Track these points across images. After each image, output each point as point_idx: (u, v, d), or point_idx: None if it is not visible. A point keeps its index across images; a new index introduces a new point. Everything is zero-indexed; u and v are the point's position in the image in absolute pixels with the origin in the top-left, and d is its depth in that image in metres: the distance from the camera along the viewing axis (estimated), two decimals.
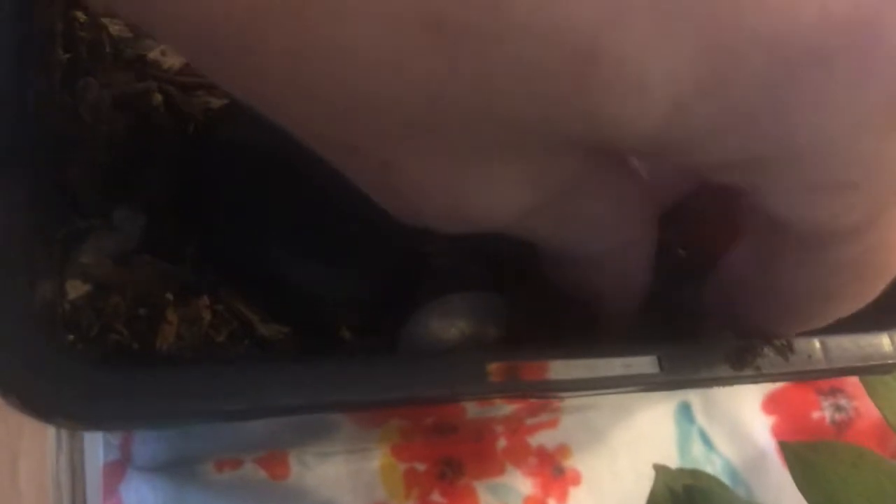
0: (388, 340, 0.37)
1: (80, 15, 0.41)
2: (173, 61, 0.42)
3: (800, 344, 0.36)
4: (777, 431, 0.73)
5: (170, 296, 0.36)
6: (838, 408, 0.75)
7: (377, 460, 0.64)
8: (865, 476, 0.40)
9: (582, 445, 0.69)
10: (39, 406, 0.27)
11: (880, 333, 0.38)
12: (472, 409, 0.48)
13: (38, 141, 0.31)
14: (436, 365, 0.30)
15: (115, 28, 0.41)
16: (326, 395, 0.28)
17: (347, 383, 0.29)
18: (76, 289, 0.35)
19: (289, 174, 0.38)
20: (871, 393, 0.46)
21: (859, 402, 0.73)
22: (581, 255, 0.35)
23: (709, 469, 0.72)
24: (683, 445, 0.71)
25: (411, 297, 0.39)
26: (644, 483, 0.70)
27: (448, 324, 0.36)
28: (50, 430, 0.70)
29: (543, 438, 0.67)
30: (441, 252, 0.42)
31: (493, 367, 0.31)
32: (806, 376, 0.35)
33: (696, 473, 0.47)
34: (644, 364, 0.32)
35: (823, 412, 0.74)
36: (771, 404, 0.72)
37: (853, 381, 0.72)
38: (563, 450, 0.68)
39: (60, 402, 0.27)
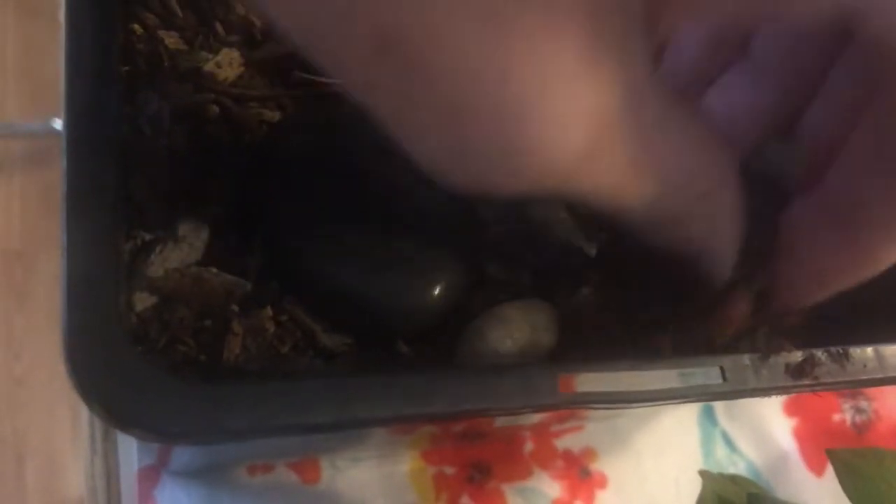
0: (445, 354, 0.38)
1: (138, 28, 0.41)
2: (227, 73, 0.42)
3: (855, 353, 0.36)
4: (798, 433, 0.74)
5: (235, 307, 0.36)
6: (859, 410, 0.75)
7: (407, 464, 0.65)
8: None
9: (607, 448, 0.69)
10: (128, 420, 0.27)
11: None
12: (501, 417, 0.49)
13: (113, 155, 0.32)
14: (509, 378, 0.30)
15: (171, 40, 0.42)
16: (410, 408, 0.29)
17: (429, 396, 0.29)
18: (143, 301, 0.35)
19: (348, 188, 0.38)
20: None
21: (879, 403, 0.74)
22: (659, 214, 0.31)
23: (732, 471, 0.72)
24: (707, 447, 0.72)
25: (465, 307, 0.40)
26: (669, 485, 0.71)
27: (504, 334, 0.36)
28: (63, 433, 0.70)
29: (570, 442, 0.68)
30: (493, 257, 0.42)
31: (563, 379, 0.31)
32: (862, 384, 0.36)
33: (737, 479, 0.48)
34: (708, 375, 0.33)
35: (844, 414, 0.75)
36: (792, 406, 0.73)
37: None
38: (590, 453, 0.69)
39: (149, 417, 0.27)
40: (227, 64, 0.43)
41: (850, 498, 0.41)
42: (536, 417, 0.55)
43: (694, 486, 0.64)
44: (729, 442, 0.73)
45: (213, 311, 0.36)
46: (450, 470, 0.68)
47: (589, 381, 0.31)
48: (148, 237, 0.36)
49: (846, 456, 0.42)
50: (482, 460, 0.68)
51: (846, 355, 0.36)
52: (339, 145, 0.39)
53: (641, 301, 0.47)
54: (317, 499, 0.63)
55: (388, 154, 0.42)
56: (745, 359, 0.34)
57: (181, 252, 0.36)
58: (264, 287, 0.38)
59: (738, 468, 0.73)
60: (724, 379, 0.33)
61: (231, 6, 0.44)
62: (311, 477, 0.64)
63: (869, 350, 0.37)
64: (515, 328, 0.37)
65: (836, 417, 0.76)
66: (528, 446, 0.69)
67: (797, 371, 0.35)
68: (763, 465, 0.73)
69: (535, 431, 0.67)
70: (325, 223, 0.37)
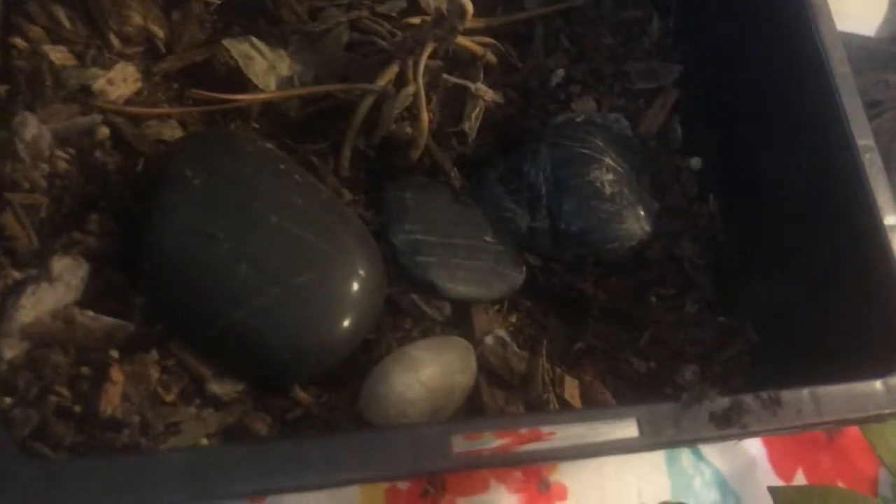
0: (347, 399, 0.35)
1: (20, 42, 0.38)
2: (122, 90, 0.39)
3: (788, 396, 0.33)
4: (768, 439, 0.71)
5: (115, 353, 0.33)
6: None
7: None
8: None
9: None
10: None
11: (873, 380, 0.36)
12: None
13: None
14: (395, 441, 0.27)
15: (57, 55, 0.38)
16: (279, 480, 0.26)
17: (302, 465, 0.26)
18: (13, 348, 0.32)
19: (242, 215, 0.35)
20: (864, 431, 0.44)
21: None
22: None
23: (698, 480, 0.70)
24: (672, 456, 0.69)
25: (374, 343, 0.37)
26: (631, 495, 0.68)
27: (411, 379, 0.34)
28: None
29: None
30: (407, 287, 0.40)
31: (459, 439, 0.28)
32: (795, 430, 0.33)
33: None
34: (623, 428, 0.30)
35: None
36: None
37: None
38: (549, 464, 0.66)
39: None
40: (121, 80, 0.39)
41: None
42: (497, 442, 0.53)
43: (657, 495, 0.62)
44: (695, 450, 0.71)
45: (91, 358, 0.33)
46: (403, 484, 0.65)
47: (490, 440, 0.28)
48: (19, 276, 0.33)
49: (790, 495, 0.40)
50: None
51: (777, 401, 0.33)
52: (234, 169, 0.36)
53: (576, 329, 0.44)
54: None
55: (289, 178, 0.39)
56: (665, 408, 0.31)
57: (56, 293, 0.33)
58: (149, 328, 0.35)
59: (705, 477, 0.70)
60: (641, 432, 0.30)
61: (127, 16, 0.40)
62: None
63: (804, 392, 0.34)
64: (425, 371, 0.35)
65: None
66: None
67: (723, 420, 0.32)
68: (730, 472, 0.70)
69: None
70: (215, 256, 0.34)
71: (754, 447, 0.71)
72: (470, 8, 0.39)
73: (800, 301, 0.43)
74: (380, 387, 0.34)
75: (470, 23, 0.42)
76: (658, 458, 0.67)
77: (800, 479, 0.68)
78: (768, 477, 0.69)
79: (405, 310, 0.39)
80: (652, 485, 0.63)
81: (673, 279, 0.45)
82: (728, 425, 0.32)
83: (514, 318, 0.42)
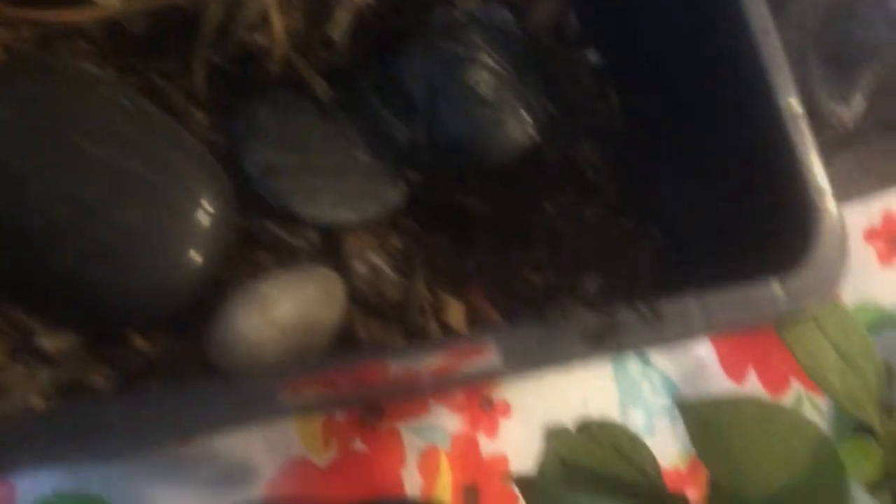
0: (195, 344, 0.32)
1: None
2: None
3: (670, 308, 0.31)
4: (718, 339, 0.70)
5: None
6: None
7: None
8: (770, 434, 0.35)
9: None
10: None
11: (768, 280, 0.33)
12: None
13: None
14: (209, 396, 0.25)
15: None
16: (72, 451, 0.23)
17: (92, 430, 0.23)
18: None
19: (59, 147, 0.32)
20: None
21: None
22: None
23: (646, 386, 0.69)
24: (618, 364, 0.68)
25: (227, 280, 0.34)
26: (577, 405, 0.66)
27: (260, 319, 0.31)
28: None
29: (470, 370, 0.63)
30: (266, 213, 0.36)
31: (290, 384, 0.25)
32: (684, 340, 0.31)
33: (605, 429, 0.43)
34: (482, 355, 0.27)
35: None
36: None
37: None
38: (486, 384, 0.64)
39: None
40: None
41: (701, 458, 0.36)
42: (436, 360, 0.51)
43: (606, 401, 0.60)
44: (642, 355, 0.69)
45: None
46: (340, 415, 0.63)
47: (329, 381, 0.26)
48: None
49: (697, 408, 0.37)
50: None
51: (657, 314, 0.30)
52: (48, 99, 0.32)
53: (465, 247, 0.41)
54: (195, 460, 0.58)
55: (116, 104, 0.35)
56: (528, 331, 0.28)
57: None
58: None
59: (653, 382, 0.69)
60: (503, 357, 0.28)
61: None
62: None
63: (690, 301, 0.31)
64: (276, 309, 0.32)
65: None
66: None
67: (595, 338, 0.29)
68: (679, 376, 0.69)
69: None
70: (27, 197, 0.31)
71: (703, 349, 0.69)
72: None
73: (706, 200, 0.40)
74: (223, 330, 0.31)
75: None
76: (605, 368, 0.65)
77: (752, 378, 0.67)
78: (719, 378, 0.68)
79: (263, 242, 0.35)
80: (598, 393, 0.61)
81: (571, 184, 0.42)
82: (601, 343, 0.29)
83: (395, 241, 0.39)
